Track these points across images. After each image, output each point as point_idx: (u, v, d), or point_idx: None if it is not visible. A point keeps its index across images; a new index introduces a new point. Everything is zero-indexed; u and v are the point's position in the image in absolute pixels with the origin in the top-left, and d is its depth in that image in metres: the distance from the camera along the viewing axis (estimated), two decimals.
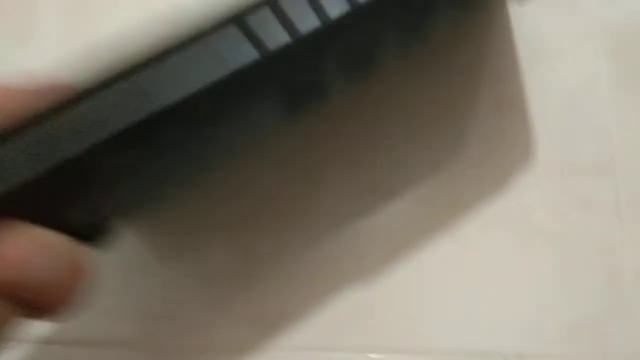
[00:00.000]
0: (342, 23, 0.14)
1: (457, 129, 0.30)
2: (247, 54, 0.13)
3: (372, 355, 0.28)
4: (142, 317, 0.28)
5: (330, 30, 0.14)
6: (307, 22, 0.13)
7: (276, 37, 0.13)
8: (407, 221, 0.29)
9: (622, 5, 0.33)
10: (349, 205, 0.29)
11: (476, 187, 0.30)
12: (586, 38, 0.32)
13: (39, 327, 0.26)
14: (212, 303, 0.28)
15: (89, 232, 0.16)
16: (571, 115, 0.32)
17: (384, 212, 0.29)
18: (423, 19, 0.17)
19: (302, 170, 0.29)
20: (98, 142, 0.13)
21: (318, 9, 0.13)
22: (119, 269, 0.28)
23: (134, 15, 0.28)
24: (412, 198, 0.29)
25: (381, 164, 0.30)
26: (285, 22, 0.13)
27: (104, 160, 0.14)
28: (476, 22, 0.31)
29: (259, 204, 0.29)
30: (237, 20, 0.13)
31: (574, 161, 0.31)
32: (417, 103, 0.31)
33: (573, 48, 0.32)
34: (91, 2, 0.30)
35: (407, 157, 0.30)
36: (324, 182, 0.29)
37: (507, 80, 0.31)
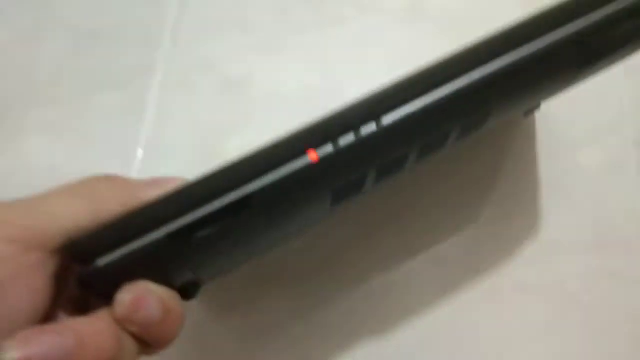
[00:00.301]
0: (372, 140, 0.19)
1: (485, 204, 0.35)
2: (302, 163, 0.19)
3: None
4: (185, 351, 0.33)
5: (363, 144, 0.19)
6: (346, 140, 0.19)
7: (326, 151, 0.19)
8: (442, 283, 0.33)
9: None
10: (388, 263, 0.34)
11: (511, 257, 0.34)
12: (614, 126, 0.36)
13: None
14: (242, 352, 0.32)
15: (185, 288, 0.22)
16: (602, 194, 0.35)
17: (420, 272, 0.34)
18: (443, 141, 0.22)
19: (354, 234, 0.34)
20: (201, 217, 0.19)
21: (356, 132, 0.19)
22: None
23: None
24: (449, 263, 0.34)
25: (424, 233, 0.34)
26: (336, 143, 0.19)
27: (206, 234, 0.20)
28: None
29: (307, 262, 0.34)
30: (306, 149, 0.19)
31: (605, 236, 0.34)
32: (447, 180, 0.35)
33: (602, 135, 0.36)
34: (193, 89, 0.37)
35: (444, 230, 0.34)
36: (371, 245, 0.34)
37: (528, 165, 0.35)
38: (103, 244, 0.19)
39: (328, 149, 0.19)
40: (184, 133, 0.34)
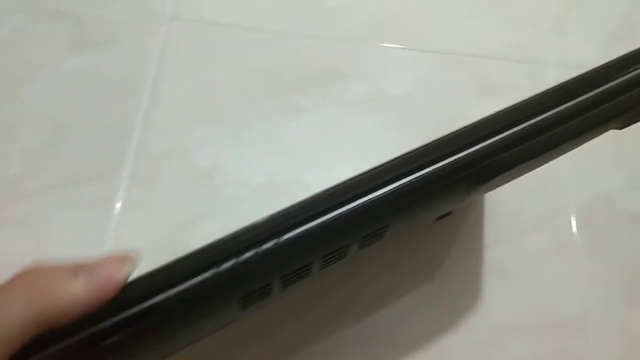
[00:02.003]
0: (270, 255, 0.21)
1: (433, 288, 0.37)
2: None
3: None
4: None
5: (263, 259, 0.21)
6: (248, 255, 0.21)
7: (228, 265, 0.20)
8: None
9: (592, 184, 0.40)
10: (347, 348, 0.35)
11: (460, 340, 0.36)
12: (561, 210, 0.39)
13: None
14: None
15: None
16: (549, 277, 0.37)
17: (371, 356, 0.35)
18: (344, 252, 0.24)
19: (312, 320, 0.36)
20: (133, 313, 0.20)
21: (257, 248, 0.21)
22: None
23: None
24: (399, 345, 0.35)
25: (374, 315, 0.36)
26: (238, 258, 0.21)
27: (113, 341, 0.20)
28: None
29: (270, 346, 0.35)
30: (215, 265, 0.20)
31: (552, 316, 0.36)
32: (394, 263, 0.37)
33: (550, 218, 0.39)
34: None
35: (393, 311, 0.36)
36: (329, 330, 0.36)
37: (476, 250, 0.38)
38: (32, 347, 0.20)
39: (230, 263, 0.21)
40: (153, 223, 0.36)
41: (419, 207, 0.23)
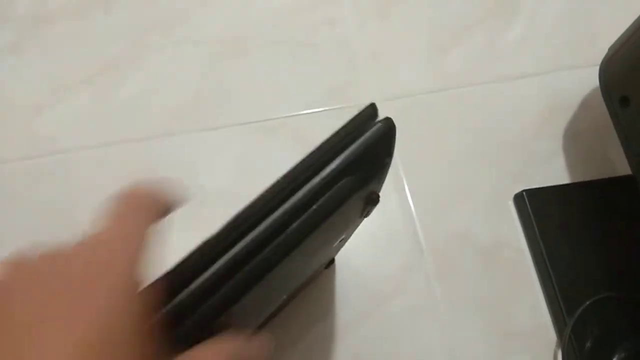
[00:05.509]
0: None
1: None
2: None
3: None
4: None
5: None
6: None
7: None
8: None
9: (442, 224, 0.39)
10: None
11: None
12: (413, 266, 0.37)
13: None
14: None
15: None
16: (415, 338, 0.36)
17: None
18: None
19: None
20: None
21: None
22: None
23: None
24: None
25: None
26: None
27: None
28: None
29: None
30: None
31: None
32: None
33: (405, 279, 0.37)
34: None
35: None
36: None
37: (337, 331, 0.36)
38: None
39: None
40: None
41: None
